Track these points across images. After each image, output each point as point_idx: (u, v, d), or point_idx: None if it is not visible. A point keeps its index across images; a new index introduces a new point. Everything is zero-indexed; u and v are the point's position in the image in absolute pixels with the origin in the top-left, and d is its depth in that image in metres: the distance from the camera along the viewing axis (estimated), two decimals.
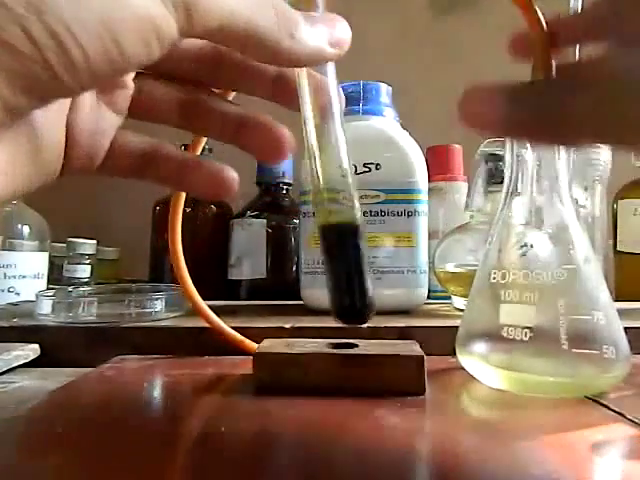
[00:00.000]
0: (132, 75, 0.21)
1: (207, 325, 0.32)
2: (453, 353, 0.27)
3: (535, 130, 0.17)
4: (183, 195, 0.30)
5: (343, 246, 0.19)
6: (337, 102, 0.21)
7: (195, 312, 0.32)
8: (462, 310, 0.28)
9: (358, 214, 0.20)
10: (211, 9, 0.16)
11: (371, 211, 0.43)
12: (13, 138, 0.18)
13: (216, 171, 0.22)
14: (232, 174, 0.23)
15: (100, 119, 0.21)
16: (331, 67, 0.21)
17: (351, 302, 0.19)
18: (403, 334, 0.34)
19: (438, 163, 0.60)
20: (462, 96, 0.17)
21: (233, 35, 0.17)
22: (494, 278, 0.26)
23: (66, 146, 0.20)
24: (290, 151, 0.22)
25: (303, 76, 0.21)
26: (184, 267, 0.31)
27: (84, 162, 0.21)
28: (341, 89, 0.21)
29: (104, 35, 0.14)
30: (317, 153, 0.20)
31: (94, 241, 0.69)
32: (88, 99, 0.20)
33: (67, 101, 0.20)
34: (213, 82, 0.23)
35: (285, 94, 0.22)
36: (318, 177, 0.20)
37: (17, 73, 0.13)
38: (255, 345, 0.31)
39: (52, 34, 0.13)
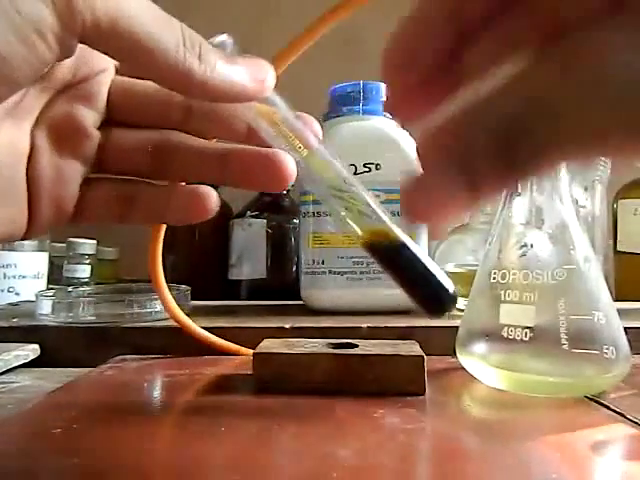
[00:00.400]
0: (94, 123, 0.21)
1: (207, 325, 0.32)
2: (453, 353, 0.27)
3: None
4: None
5: (397, 262, 0.19)
6: (307, 131, 0.20)
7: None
8: (462, 310, 0.28)
9: (393, 228, 0.19)
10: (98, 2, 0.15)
11: None
12: None
13: (192, 194, 0.21)
14: (206, 192, 0.22)
15: (63, 168, 0.20)
16: (280, 102, 0.20)
17: (435, 300, 0.19)
18: (403, 334, 0.34)
19: None
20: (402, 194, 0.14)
21: (129, 42, 0.16)
22: (494, 278, 0.26)
23: (30, 199, 0.20)
24: (290, 176, 0.21)
25: (259, 119, 0.20)
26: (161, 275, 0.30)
27: (53, 213, 0.20)
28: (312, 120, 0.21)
29: None
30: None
31: (94, 241, 0.69)
32: (46, 148, 0.20)
33: (22, 152, 0.19)
34: (185, 126, 0.22)
35: (256, 139, 0.21)
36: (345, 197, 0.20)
37: None
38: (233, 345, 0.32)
39: None
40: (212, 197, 0.22)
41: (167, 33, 0.16)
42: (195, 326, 0.31)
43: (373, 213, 0.20)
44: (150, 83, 0.21)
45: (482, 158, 0.12)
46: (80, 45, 0.20)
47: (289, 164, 0.21)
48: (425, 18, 0.14)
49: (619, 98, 0.11)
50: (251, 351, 0.30)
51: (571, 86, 0.11)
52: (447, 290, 0.19)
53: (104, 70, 0.21)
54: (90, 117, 0.21)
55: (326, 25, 0.24)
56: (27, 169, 0.19)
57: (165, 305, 0.30)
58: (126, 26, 0.15)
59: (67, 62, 0.20)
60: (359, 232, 0.20)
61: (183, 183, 0.23)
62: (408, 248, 0.19)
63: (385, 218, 0.20)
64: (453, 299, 0.19)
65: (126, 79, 0.22)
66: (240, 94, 0.18)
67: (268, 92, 0.19)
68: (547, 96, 0.11)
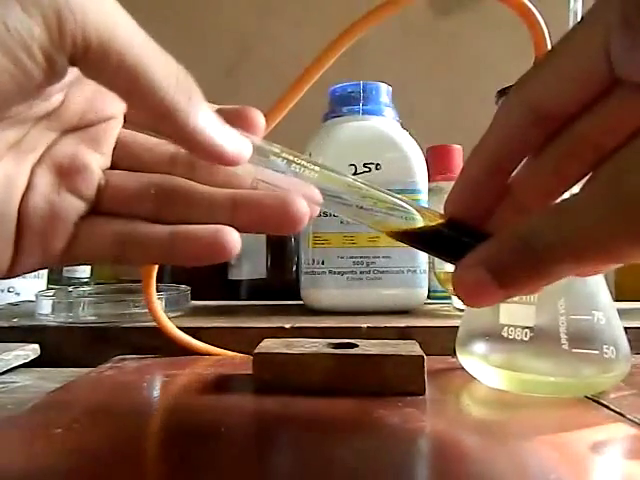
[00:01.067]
0: (99, 166, 0.20)
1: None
2: (453, 353, 0.27)
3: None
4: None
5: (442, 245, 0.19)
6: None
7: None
8: (462, 310, 0.28)
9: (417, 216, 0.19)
10: (91, 20, 0.14)
11: None
12: None
13: (212, 238, 0.19)
14: (231, 237, 0.19)
15: (59, 206, 0.19)
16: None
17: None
18: (403, 334, 0.34)
19: (438, 163, 0.60)
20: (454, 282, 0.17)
21: (119, 66, 0.15)
22: None
23: (17, 236, 0.19)
24: (303, 218, 0.20)
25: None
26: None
27: (40, 252, 0.19)
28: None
29: None
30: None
31: None
32: (45, 186, 0.19)
33: (18, 187, 0.19)
34: (192, 177, 0.21)
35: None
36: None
37: None
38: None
39: None
40: (230, 235, 0.19)
41: (161, 65, 0.16)
42: (191, 339, 0.32)
43: (398, 207, 0.20)
44: (152, 139, 0.21)
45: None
46: (89, 88, 0.20)
47: (301, 206, 0.20)
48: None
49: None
50: (223, 351, 0.30)
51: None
52: None
53: (114, 117, 0.21)
54: (95, 160, 0.20)
55: (310, 79, 0.24)
56: (20, 205, 0.19)
57: (149, 305, 0.31)
58: (117, 48, 0.15)
59: (75, 104, 0.20)
60: (402, 227, 0.19)
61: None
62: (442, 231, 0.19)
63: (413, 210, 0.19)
64: None
65: (129, 132, 0.21)
66: (219, 155, 0.18)
67: (242, 164, 0.18)
68: None
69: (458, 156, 0.62)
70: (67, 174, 0.20)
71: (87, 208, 0.20)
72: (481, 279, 0.16)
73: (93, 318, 0.37)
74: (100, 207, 0.21)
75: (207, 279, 0.65)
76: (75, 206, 0.20)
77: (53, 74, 0.15)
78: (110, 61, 0.15)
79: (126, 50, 0.15)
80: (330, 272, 0.44)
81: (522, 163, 0.18)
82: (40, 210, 0.19)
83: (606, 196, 0.14)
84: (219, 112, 0.18)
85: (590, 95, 0.16)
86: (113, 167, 0.21)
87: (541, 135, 0.17)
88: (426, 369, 0.24)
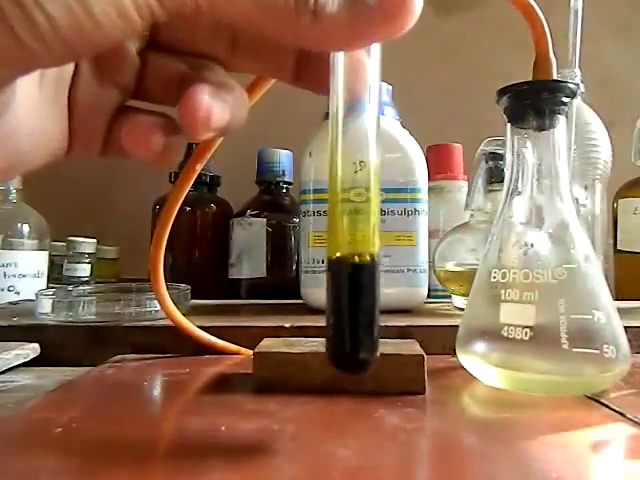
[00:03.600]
0: (137, 48, 0.20)
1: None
2: (453, 352, 0.27)
3: None
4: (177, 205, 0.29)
5: (355, 286, 0.17)
6: (374, 89, 0.17)
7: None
8: (462, 309, 0.28)
9: (376, 244, 0.17)
10: None
11: None
12: (9, 112, 0.17)
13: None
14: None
15: (101, 95, 0.20)
16: (375, 50, 0.17)
17: (353, 349, 0.16)
18: (403, 333, 0.34)
19: (438, 162, 0.60)
20: None
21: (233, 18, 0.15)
22: (494, 277, 0.26)
23: (69, 123, 0.20)
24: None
25: (339, 56, 0.17)
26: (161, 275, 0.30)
27: (85, 141, 0.20)
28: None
29: (72, 4, 0.13)
30: (335, 147, 0.18)
31: (94, 240, 0.69)
32: (88, 73, 0.19)
33: (67, 74, 0.19)
34: (229, 60, 0.21)
35: (309, 76, 0.20)
36: (333, 176, 0.17)
37: None
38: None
39: (16, 1, 0.13)
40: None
41: None
42: (197, 329, 0.31)
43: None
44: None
45: None
46: None
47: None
48: None
49: None
50: (250, 351, 0.30)
51: None
52: (371, 352, 0.16)
53: None
54: (132, 43, 0.20)
55: None
56: (69, 93, 0.19)
57: (166, 311, 0.30)
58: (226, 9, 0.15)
59: None
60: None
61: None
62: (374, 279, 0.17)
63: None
64: (368, 362, 0.16)
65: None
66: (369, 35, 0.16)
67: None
68: None
69: (458, 155, 0.62)
70: (107, 61, 0.19)
71: (124, 98, 0.20)
72: None
73: (93, 317, 0.37)
74: (137, 96, 0.21)
75: (207, 278, 0.65)
76: (115, 97, 0.20)
77: (151, 23, 0.15)
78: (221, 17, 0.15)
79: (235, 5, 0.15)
80: None
81: None
82: (86, 101, 0.19)
83: None
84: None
85: None
86: (150, 44, 0.20)
87: None
88: (426, 368, 0.24)
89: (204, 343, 0.32)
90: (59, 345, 0.35)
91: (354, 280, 0.17)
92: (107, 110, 0.20)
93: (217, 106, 0.18)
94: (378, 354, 0.17)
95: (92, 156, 0.21)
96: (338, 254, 0.17)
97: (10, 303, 0.50)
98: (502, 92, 0.26)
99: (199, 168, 0.27)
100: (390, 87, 0.48)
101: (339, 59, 0.17)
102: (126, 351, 0.33)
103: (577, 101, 0.41)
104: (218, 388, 0.26)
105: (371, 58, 0.17)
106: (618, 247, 0.60)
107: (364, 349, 0.16)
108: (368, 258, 0.17)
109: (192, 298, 0.44)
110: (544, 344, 0.24)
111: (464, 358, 0.27)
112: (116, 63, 0.20)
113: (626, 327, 0.25)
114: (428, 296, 0.46)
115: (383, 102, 0.47)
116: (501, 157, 0.40)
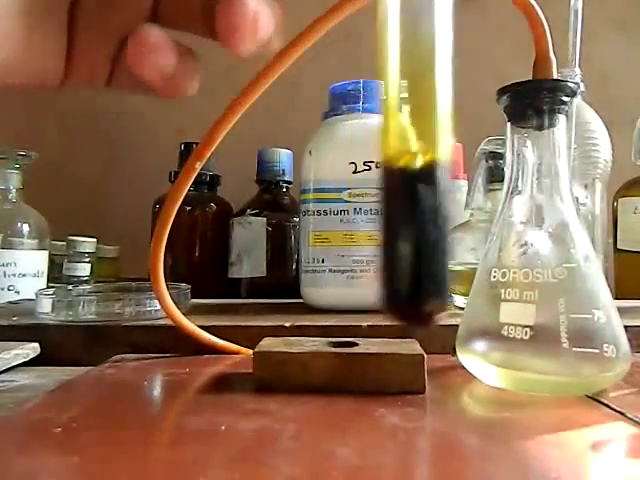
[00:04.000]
0: None
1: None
2: (453, 352, 0.27)
3: None
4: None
5: (410, 199, 0.12)
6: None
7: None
8: (462, 309, 0.28)
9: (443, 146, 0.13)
10: None
11: (372, 209, 0.43)
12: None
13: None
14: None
15: (111, 14, 0.18)
16: None
17: (411, 298, 0.13)
18: (403, 333, 0.34)
19: None
20: None
21: None
22: (494, 277, 0.26)
23: (69, 45, 0.18)
24: None
25: None
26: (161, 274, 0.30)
27: (89, 67, 0.18)
28: None
29: None
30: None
31: (94, 239, 0.69)
32: None
33: None
34: None
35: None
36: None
37: None
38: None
39: None
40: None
41: None
42: (197, 329, 0.31)
43: None
44: None
45: None
46: None
47: None
48: None
49: None
50: (250, 350, 0.30)
51: None
52: (422, 298, 0.13)
53: None
54: None
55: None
56: (71, 7, 0.17)
57: (166, 310, 0.30)
58: None
59: None
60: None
61: None
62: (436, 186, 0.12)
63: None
64: (418, 316, 0.12)
65: None
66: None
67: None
68: None
69: (458, 154, 0.62)
70: None
71: (139, 22, 0.18)
72: None
73: (93, 317, 0.37)
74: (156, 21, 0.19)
75: (207, 277, 0.65)
76: (124, 21, 0.18)
77: None
78: None
79: None
80: (330, 270, 0.44)
81: None
82: (91, 24, 0.18)
83: None
84: None
85: None
86: None
87: None
88: (426, 368, 0.24)
89: (204, 343, 0.32)
90: (59, 345, 0.35)
91: (408, 191, 0.12)
92: (116, 33, 0.18)
93: (264, 11, 0.16)
94: (447, 302, 0.12)
95: (96, 85, 0.19)
96: (389, 159, 0.13)
97: (10, 302, 0.50)
98: (502, 91, 0.26)
99: (199, 167, 0.27)
100: None
101: None
102: (126, 351, 0.33)
103: (577, 100, 0.41)
104: (218, 388, 0.26)
105: None
106: (618, 246, 0.60)
107: (425, 298, 0.12)
108: (427, 163, 0.12)
109: (192, 297, 0.44)
110: (544, 343, 0.24)
111: (464, 357, 0.27)
112: None
113: (626, 326, 0.25)
114: None
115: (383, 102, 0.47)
116: (501, 156, 0.40)
